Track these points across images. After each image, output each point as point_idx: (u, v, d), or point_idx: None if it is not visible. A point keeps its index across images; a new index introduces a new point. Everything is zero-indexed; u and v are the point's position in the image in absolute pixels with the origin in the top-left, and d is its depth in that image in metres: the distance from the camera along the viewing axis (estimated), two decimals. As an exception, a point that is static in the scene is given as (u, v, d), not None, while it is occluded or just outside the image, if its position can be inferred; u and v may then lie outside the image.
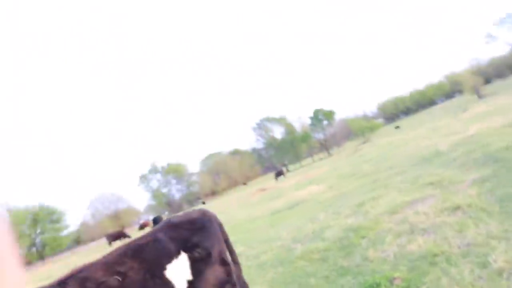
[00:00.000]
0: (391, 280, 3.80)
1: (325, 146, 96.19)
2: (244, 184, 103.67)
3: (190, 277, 2.32)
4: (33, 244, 73.07)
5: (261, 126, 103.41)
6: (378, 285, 3.77)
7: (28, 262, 73.38)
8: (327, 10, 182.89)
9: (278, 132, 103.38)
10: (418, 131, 30.38)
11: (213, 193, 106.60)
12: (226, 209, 25.63)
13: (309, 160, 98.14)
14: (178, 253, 2.34)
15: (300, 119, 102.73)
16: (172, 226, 2.49)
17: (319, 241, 6.58)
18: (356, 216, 7.49)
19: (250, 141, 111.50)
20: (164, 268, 2.26)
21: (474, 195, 5.75)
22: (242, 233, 11.06)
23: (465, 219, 4.83)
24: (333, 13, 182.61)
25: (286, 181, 34.81)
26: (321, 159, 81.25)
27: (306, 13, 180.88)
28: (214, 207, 36.85)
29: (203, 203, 78.14)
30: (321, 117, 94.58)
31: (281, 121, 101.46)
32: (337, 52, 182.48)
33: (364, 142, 65.81)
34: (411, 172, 10.40)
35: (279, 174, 43.01)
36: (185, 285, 2.29)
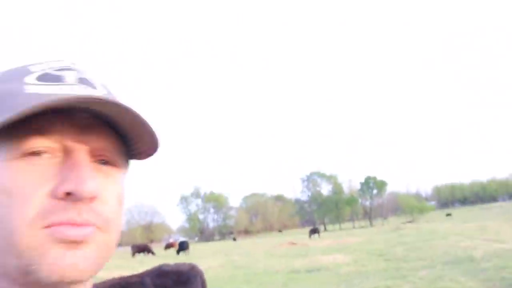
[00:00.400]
0: None
1: (369, 215, 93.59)
2: (280, 231, 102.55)
3: (160, 323, 2.64)
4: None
5: (310, 179, 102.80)
6: None
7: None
8: (400, 82, 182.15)
9: (325, 189, 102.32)
10: (466, 226, 29.00)
11: (247, 232, 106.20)
12: (251, 253, 25.60)
13: (349, 224, 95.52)
14: (156, 300, 2.68)
15: (350, 182, 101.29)
16: (161, 273, 2.82)
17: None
18: (362, 301, 7.45)
19: (295, 191, 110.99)
20: (139, 310, 2.60)
21: (481, 316, 5.61)
22: (253, 285, 11.17)
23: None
24: (406, 86, 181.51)
25: (318, 241, 34.28)
26: (361, 227, 78.87)
27: (381, 81, 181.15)
28: (241, 247, 36.86)
29: (234, 239, 78.11)
30: (372, 185, 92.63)
31: (331, 178, 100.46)
32: (404, 125, 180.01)
33: (410, 222, 63.35)
34: (436, 270, 10.10)
35: (313, 231, 42.50)
36: (154, 329, 2.61)
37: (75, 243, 0.43)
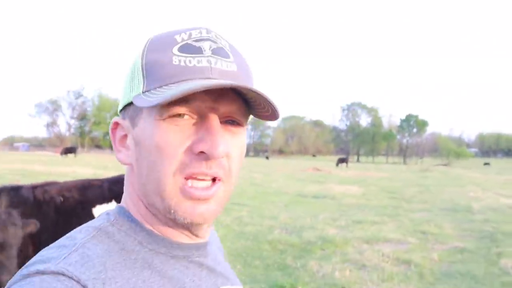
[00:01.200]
0: (293, 289, 4.60)
1: (404, 153, 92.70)
2: (313, 156, 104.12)
3: (111, 218, 3.31)
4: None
5: (350, 109, 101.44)
6: (283, 287, 4.59)
7: (99, 146, 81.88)
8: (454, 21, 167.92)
9: (364, 121, 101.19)
10: (495, 177, 28.71)
11: (280, 152, 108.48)
12: (272, 173, 26.72)
13: (383, 159, 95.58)
14: (110, 200, 3.34)
15: (391, 117, 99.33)
16: (119, 181, 3.48)
17: (295, 237, 7.36)
18: (342, 229, 8.12)
19: (334, 119, 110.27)
20: (94, 206, 3.27)
21: (436, 259, 6.13)
22: (257, 201, 12.05)
23: (402, 274, 5.34)
24: (460, 26, 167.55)
25: (343, 170, 34.95)
26: (394, 163, 78.83)
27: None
28: (269, 166, 38.26)
29: (267, 158, 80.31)
30: (412, 123, 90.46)
31: (372, 111, 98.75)
32: (458, 69, 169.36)
33: (444, 165, 62.51)
34: (429, 215, 10.54)
35: (341, 161, 43.04)
36: (105, 222, 3.28)
37: (202, 200, 0.58)
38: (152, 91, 0.57)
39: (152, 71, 0.58)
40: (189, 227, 0.62)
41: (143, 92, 0.58)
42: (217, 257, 0.73)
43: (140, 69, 0.60)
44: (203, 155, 0.56)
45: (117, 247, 0.59)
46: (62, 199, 3.19)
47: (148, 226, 0.62)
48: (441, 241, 7.39)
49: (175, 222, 0.61)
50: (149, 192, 0.60)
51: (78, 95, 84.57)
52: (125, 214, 0.64)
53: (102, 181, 3.49)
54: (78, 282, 0.51)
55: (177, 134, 0.57)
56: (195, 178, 0.58)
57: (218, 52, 0.60)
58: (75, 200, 3.24)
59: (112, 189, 3.39)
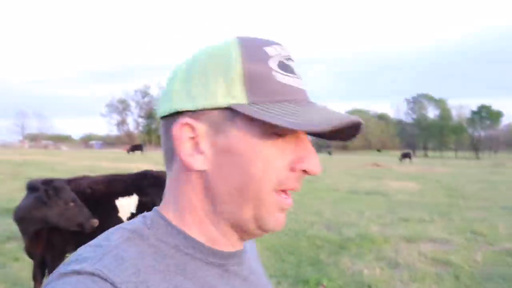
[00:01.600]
0: (318, 283, 4.65)
1: (475, 147, 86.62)
2: (378, 151, 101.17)
3: (134, 210, 3.61)
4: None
5: (416, 101, 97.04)
6: (307, 283, 4.66)
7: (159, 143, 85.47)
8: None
9: (431, 113, 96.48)
10: None
11: (344, 147, 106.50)
12: (330, 169, 26.42)
13: (453, 153, 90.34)
14: (132, 194, 3.63)
15: (461, 109, 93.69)
16: (143, 176, 3.77)
17: (335, 234, 7.35)
18: (385, 227, 7.95)
19: (399, 112, 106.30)
20: (117, 198, 3.57)
21: (479, 260, 5.85)
22: (305, 198, 12.07)
23: (436, 275, 5.19)
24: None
25: (405, 166, 33.78)
26: (465, 158, 74.30)
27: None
28: (328, 162, 37.84)
29: (329, 153, 79.28)
30: (484, 114, 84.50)
31: (439, 103, 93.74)
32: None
33: (521, 160, 57.92)
34: (486, 214, 9.96)
35: (405, 156, 41.58)
36: (128, 214, 3.60)
37: (286, 209, 0.62)
38: (260, 104, 0.57)
39: (255, 82, 0.57)
40: (249, 235, 0.65)
41: (249, 104, 0.57)
42: (251, 265, 0.72)
43: (238, 76, 0.57)
44: (302, 173, 0.59)
45: (151, 251, 0.58)
46: (90, 191, 3.53)
47: (186, 230, 0.62)
48: (491, 242, 7.00)
49: (242, 229, 0.63)
50: (229, 200, 0.60)
51: (145, 94, 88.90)
52: (161, 218, 0.62)
53: (127, 176, 3.80)
54: (112, 284, 0.51)
55: (280, 150, 0.59)
56: (285, 193, 0.61)
57: (299, 74, 0.62)
58: (101, 192, 3.57)
59: (135, 184, 3.68)
